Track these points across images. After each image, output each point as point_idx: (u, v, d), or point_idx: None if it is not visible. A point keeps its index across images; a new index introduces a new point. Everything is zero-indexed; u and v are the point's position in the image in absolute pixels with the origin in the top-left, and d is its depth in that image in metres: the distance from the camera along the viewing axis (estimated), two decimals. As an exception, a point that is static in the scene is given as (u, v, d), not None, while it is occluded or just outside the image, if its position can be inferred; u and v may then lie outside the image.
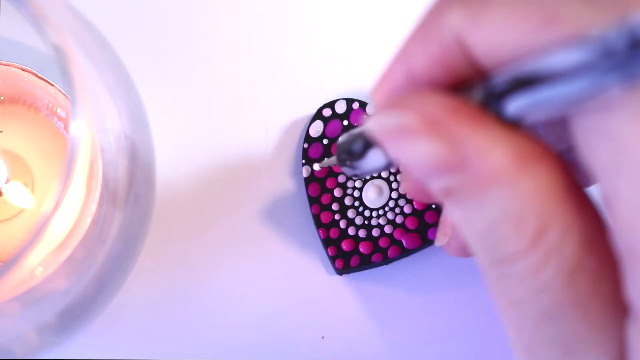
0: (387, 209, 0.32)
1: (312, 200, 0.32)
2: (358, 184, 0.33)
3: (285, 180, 0.33)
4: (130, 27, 0.34)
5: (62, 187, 0.19)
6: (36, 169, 0.30)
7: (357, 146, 0.19)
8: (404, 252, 0.32)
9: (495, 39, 0.15)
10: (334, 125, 0.33)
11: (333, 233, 0.32)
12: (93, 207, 0.25)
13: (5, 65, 0.29)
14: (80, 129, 0.19)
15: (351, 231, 0.32)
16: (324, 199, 0.32)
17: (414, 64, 0.17)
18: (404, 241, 0.32)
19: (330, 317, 0.33)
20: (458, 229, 0.17)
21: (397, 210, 0.32)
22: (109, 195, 0.25)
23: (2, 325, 0.25)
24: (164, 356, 0.32)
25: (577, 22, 0.14)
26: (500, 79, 0.15)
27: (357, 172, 0.20)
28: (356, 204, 0.32)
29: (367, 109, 0.33)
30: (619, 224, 0.14)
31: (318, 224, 0.32)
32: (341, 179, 0.33)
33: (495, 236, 0.15)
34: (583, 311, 0.15)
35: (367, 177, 0.33)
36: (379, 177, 0.33)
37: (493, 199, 0.15)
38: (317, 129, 0.33)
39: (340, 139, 0.21)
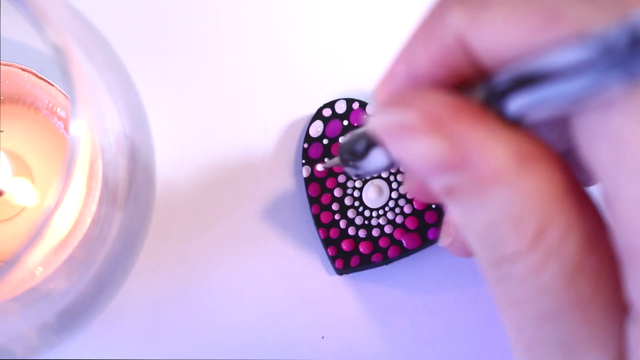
0: (387, 209, 0.32)
1: (312, 200, 0.32)
2: (358, 184, 0.33)
3: (285, 180, 0.33)
4: (130, 27, 0.34)
5: (62, 187, 0.19)
6: (36, 169, 0.30)
7: (360, 146, 0.19)
8: (404, 252, 0.32)
9: (497, 39, 0.15)
10: (334, 125, 0.33)
11: (333, 233, 0.32)
12: (93, 207, 0.25)
13: (5, 65, 0.29)
14: (80, 129, 0.19)
15: (351, 231, 0.32)
16: (324, 199, 0.32)
17: (416, 64, 0.17)
18: (404, 241, 0.32)
19: (330, 317, 0.33)
20: (458, 229, 0.17)
21: (397, 210, 0.32)
22: (109, 195, 0.25)
23: (2, 325, 0.25)
24: (164, 356, 0.32)
25: (578, 22, 0.14)
26: (502, 78, 0.15)
27: (359, 172, 0.20)
28: (356, 204, 0.32)
29: (367, 109, 0.33)
30: (619, 223, 0.14)
31: (318, 224, 0.32)
32: (341, 179, 0.33)
33: (496, 236, 0.15)
34: (583, 311, 0.15)
35: (368, 177, 0.33)
36: (379, 177, 0.33)
37: (493, 199, 0.15)
38: (317, 129, 0.33)
39: (343, 139, 0.21)
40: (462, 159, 0.15)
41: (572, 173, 0.16)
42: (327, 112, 0.33)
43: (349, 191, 0.33)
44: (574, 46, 0.13)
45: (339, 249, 0.32)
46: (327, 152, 0.33)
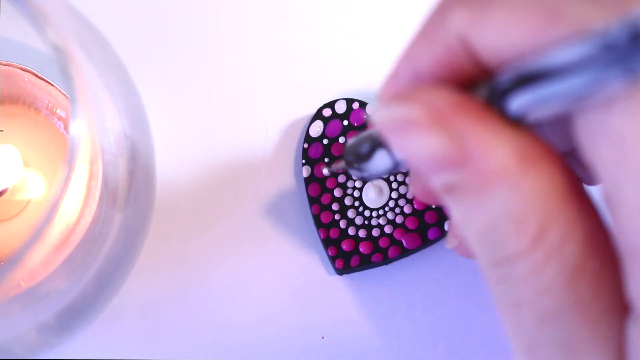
0: (387, 209, 0.32)
1: (312, 200, 0.32)
2: (358, 184, 0.33)
3: (285, 180, 0.33)
4: (130, 27, 0.34)
5: (62, 187, 0.19)
6: (36, 169, 0.30)
7: (364, 148, 0.19)
8: (404, 252, 0.32)
9: (499, 39, 0.15)
10: (334, 125, 0.33)
11: (333, 233, 0.32)
12: (93, 207, 0.25)
13: (5, 65, 0.29)
14: (80, 129, 0.19)
15: (351, 231, 0.32)
16: (324, 199, 0.32)
17: (419, 65, 0.17)
18: (404, 241, 0.32)
19: (330, 317, 0.33)
20: (458, 229, 0.17)
21: (397, 210, 0.32)
22: (109, 195, 0.25)
23: (2, 325, 0.25)
24: (164, 356, 0.32)
25: (579, 20, 0.14)
26: (503, 77, 0.15)
27: (364, 174, 0.20)
28: (356, 204, 0.32)
29: (367, 108, 0.33)
30: (621, 223, 0.14)
31: (318, 224, 0.32)
32: (341, 178, 0.33)
33: (496, 236, 0.15)
34: (584, 312, 0.15)
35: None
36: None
37: (494, 197, 0.15)
38: (317, 129, 0.33)
39: (348, 142, 0.21)
40: (464, 156, 0.15)
41: (572, 174, 0.16)
42: (327, 112, 0.33)
43: (349, 191, 0.33)
44: (575, 44, 0.13)
45: (339, 249, 0.32)
46: (327, 152, 0.33)
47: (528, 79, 0.14)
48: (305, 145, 0.33)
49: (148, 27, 0.34)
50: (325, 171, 0.29)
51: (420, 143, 0.16)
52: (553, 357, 0.16)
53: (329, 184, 0.32)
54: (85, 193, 0.24)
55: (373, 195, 0.32)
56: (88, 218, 0.25)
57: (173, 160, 0.33)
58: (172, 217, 0.33)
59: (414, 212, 0.32)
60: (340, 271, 0.32)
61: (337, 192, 0.32)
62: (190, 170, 0.33)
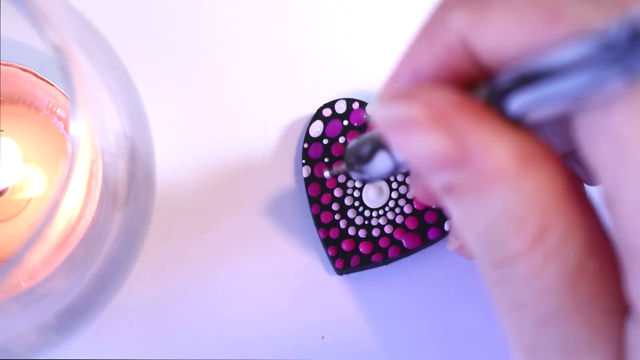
0: (387, 209, 0.32)
1: (312, 200, 0.32)
2: (358, 184, 0.33)
3: (285, 180, 0.33)
4: (130, 27, 0.34)
5: (62, 187, 0.19)
6: (36, 168, 0.30)
7: (365, 150, 0.19)
8: (404, 252, 0.32)
9: (499, 40, 0.15)
10: (334, 125, 0.33)
11: (333, 233, 0.32)
12: (93, 207, 0.25)
13: (5, 65, 0.29)
14: (80, 129, 0.19)
15: (351, 231, 0.32)
16: (324, 199, 0.32)
17: (420, 66, 0.17)
18: (404, 241, 0.32)
19: (330, 317, 0.33)
20: (458, 230, 0.17)
21: (397, 210, 0.32)
22: (109, 195, 0.25)
23: (2, 325, 0.25)
24: (164, 356, 0.32)
25: (579, 20, 0.14)
26: (503, 77, 0.15)
27: (364, 176, 0.20)
28: (356, 204, 0.32)
29: (367, 108, 0.33)
30: (620, 223, 0.14)
31: (318, 224, 0.32)
32: (341, 179, 0.33)
33: (496, 236, 0.15)
34: (585, 313, 0.15)
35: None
36: (379, 177, 0.33)
37: (494, 198, 0.15)
38: (317, 129, 0.33)
39: (349, 144, 0.21)
40: (464, 155, 0.15)
41: (572, 174, 0.16)
42: (327, 112, 0.33)
43: (349, 191, 0.33)
44: (574, 43, 0.13)
45: (339, 249, 0.32)
46: (327, 152, 0.33)
47: (528, 79, 0.14)
48: (305, 145, 0.33)
49: (148, 27, 0.34)
50: (327, 174, 0.29)
51: (420, 142, 0.16)
52: (553, 358, 0.16)
53: (329, 184, 0.32)
54: (85, 193, 0.24)
55: (373, 195, 0.32)
56: (88, 218, 0.25)
57: (173, 160, 0.33)
58: (172, 217, 0.33)
59: (414, 212, 0.32)
60: (340, 271, 0.32)
61: (337, 192, 0.32)
62: (190, 170, 0.33)
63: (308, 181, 0.32)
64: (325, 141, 0.33)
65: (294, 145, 0.34)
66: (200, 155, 0.33)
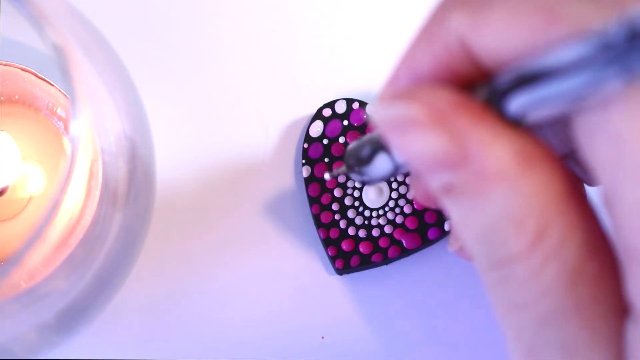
0: (387, 209, 0.32)
1: (312, 200, 0.32)
2: (358, 184, 0.33)
3: (285, 180, 0.33)
4: (130, 27, 0.34)
5: (62, 187, 0.19)
6: (36, 168, 0.30)
7: (365, 151, 0.19)
8: (404, 252, 0.32)
9: (498, 40, 0.15)
10: (334, 125, 0.33)
11: (333, 233, 0.32)
12: (93, 207, 0.25)
13: (5, 65, 0.29)
14: (80, 129, 0.19)
15: (351, 231, 0.32)
16: (324, 199, 0.32)
17: (419, 67, 0.17)
18: (404, 241, 0.32)
19: (330, 317, 0.33)
20: (457, 230, 0.17)
21: (397, 210, 0.32)
22: (109, 195, 0.25)
23: (2, 325, 0.25)
24: (164, 356, 0.32)
25: (578, 21, 0.14)
26: (503, 78, 0.15)
27: (364, 178, 0.20)
28: (356, 204, 0.32)
29: (367, 108, 0.33)
30: (619, 223, 0.14)
31: (318, 224, 0.32)
32: (341, 179, 0.33)
33: (495, 237, 0.15)
34: (584, 314, 0.15)
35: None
36: (379, 177, 0.33)
37: (493, 198, 0.15)
38: (317, 129, 0.33)
39: (349, 146, 0.21)
40: (463, 156, 0.15)
41: (572, 175, 0.16)
42: (327, 112, 0.33)
43: (349, 191, 0.33)
44: (573, 44, 0.13)
45: (339, 249, 0.32)
46: (327, 152, 0.33)
47: (527, 80, 0.14)
48: (305, 145, 0.33)
49: (148, 27, 0.34)
50: (327, 176, 0.29)
51: (420, 142, 0.16)
52: (552, 359, 0.16)
53: (329, 184, 0.32)
54: (85, 193, 0.24)
55: (373, 195, 0.32)
56: (88, 218, 0.25)
57: (173, 160, 0.33)
58: (172, 217, 0.33)
59: (414, 212, 0.32)
60: (340, 271, 0.32)
61: (337, 192, 0.32)
62: (190, 171, 0.33)
63: (308, 181, 0.32)
64: (325, 141, 0.33)
65: (294, 145, 0.34)
66: (200, 156, 0.33)
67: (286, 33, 0.34)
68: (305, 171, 0.32)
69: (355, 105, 0.33)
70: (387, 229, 0.32)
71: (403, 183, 0.33)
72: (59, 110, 0.30)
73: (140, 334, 0.32)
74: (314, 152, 0.33)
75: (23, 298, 0.24)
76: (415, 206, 0.32)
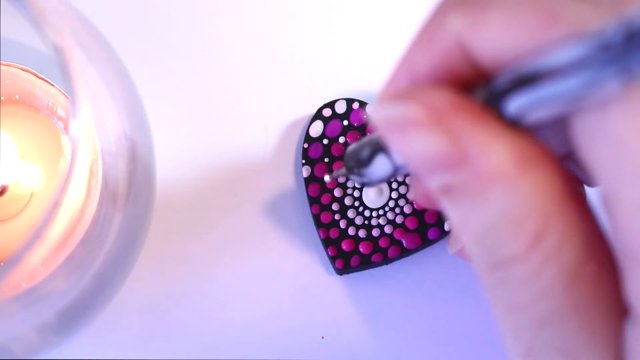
0: (387, 209, 0.32)
1: (312, 200, 0.32)
2: (358, 184, 0.33)
3: (285, 180, 0.33)
4: (130, 27, 0.34)
5: (62, 187, 0.19)
6: (36, 168, 0.30)
7: (364, 153, 0.19)
8: (404, 252, 0.32)
9: (497, 42, 0.15)
10: (334, 125, 0.33)
11: (333, 233, 0.32)
12: (93, 207, 0.25)
13: (5, 65, 0.29)
14: (80, 129, 0.19)
15: (351, 231, 0.32)
16: (324, 199, 0.32)
17: (418, 69, 0.17)
18: (404, 241, 0.32)
19: (330, 317, 0.33)
20: (456, 231, 0.17)
21: (397, 210, 0.32)
22: (109, 195, 0.25)
23: (2, 325, 0.25)
24: (164, 356, 0.32)
25: (576, 21, 0.14)
26: (501, 79, 0.15)
27: (364, 180, 0.20)
28: (356, 204, 0.32)
29: (367, 108, 0.33)
30: (618, 224, 0.14)
31: (318, 224, 0.32)
32: (341, 179, 0.33)
33: (494, 238, 0.15)
34: (583, 315, 0.15)
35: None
36: (379, 177, 0.33)
37: (492, 199, 0.15)
38: (317, 129, 0.33)
39: (349, 148, 0.21)
40: (462, 156, 0.15)
41: (570, 176, 0.16)
42: (327, 112, 0.33)
43: (349, 191, 0.33)
44: (571, 44, 0.13)
45: (339, 249, 0.32)
46: (327, 152, 0.33)
47: (525, 81, 0.14)
48: (305, 145, 0.33)
49: (148, 27, 0.34)
50: (327, 177, 0.29)
51: (418, 142, 0.16)
52: None
53: (329, 184, 0.33)
54: (85, 193, 0.24)
55: (373, 195, 0.32)
56: (88, 218, 0.25)
57: (173, 160, 0.33)
58: (172, 217, 0.33)
59: (414, 212, 0.32)
60: (340, 271, 0.32)
61: (337, 192, 0.32)
62: (190, 171, 0.33)
63: (308, 181, 0.32)
64: (325, 141, 0.33)
65: (294, 145, 0.34)
66: (200, 156, 0.33)
67: (286, 33, 0.34)
68: (305, 171, 0.33)
69: (355, 105, 0.33)
70: (387, 229, 0.32)
71: (403, 183, 0.33)
72: (59, 110, 0.30)
73: (140, 334, 0.32)
74: (314, 152, 0.33)
75: (23, 298, 0.24)
76: (415, 206, 0.32)
